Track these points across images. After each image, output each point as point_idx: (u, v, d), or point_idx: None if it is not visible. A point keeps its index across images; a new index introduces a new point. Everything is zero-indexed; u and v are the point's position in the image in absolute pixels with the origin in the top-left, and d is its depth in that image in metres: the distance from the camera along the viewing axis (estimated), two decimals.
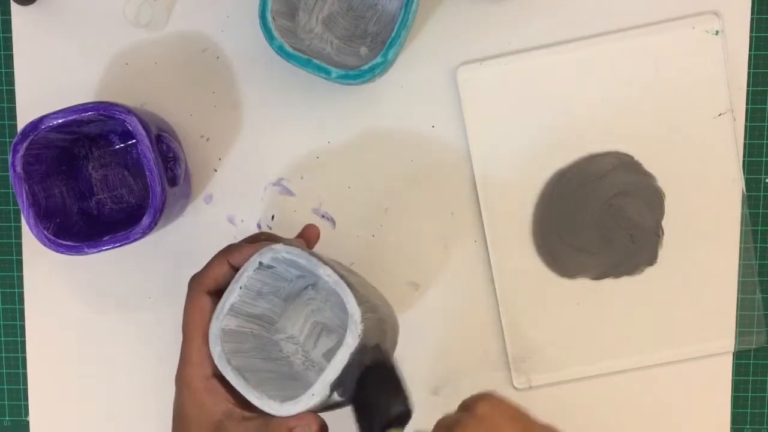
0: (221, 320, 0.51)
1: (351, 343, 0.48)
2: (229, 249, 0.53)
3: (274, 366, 0.54)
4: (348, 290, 0.49)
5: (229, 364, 0.50)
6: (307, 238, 0.57)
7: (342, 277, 0.49)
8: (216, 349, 0.51)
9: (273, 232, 0.65)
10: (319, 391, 0.48)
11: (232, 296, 0.51)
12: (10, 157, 0.57)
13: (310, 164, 0.65)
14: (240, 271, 0.52)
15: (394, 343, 0.54)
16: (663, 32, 0.64)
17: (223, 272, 0.52)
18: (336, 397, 0.48)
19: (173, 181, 0.60)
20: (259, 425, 0.49)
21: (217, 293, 0.52)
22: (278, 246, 0.51)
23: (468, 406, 0.49)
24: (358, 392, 0.48)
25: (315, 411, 0.49)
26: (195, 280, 0.53)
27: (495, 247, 0.65)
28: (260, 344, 0.54)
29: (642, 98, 0.64)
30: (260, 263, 0.51)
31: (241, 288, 0.51)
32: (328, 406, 0.49)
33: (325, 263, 0.50)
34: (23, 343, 0.67)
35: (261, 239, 0.55)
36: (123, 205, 0.64)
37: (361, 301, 0.49)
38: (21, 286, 0.67)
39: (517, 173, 0.64)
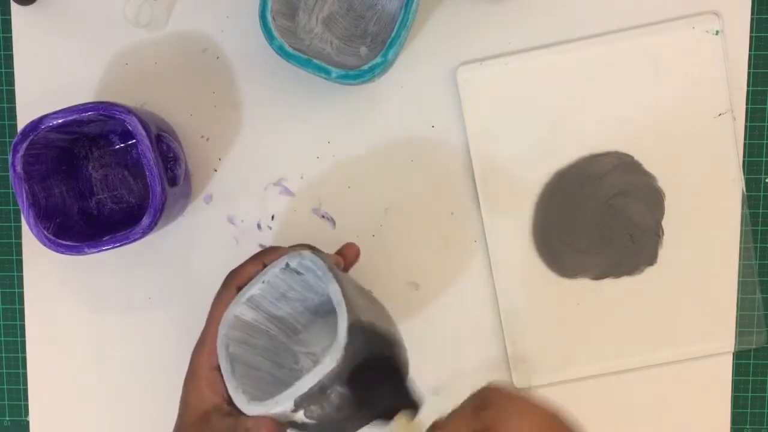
0: (237, 307, 0.52)
1: (327, 364, 0.47)
2: (267, 251, 0.55)
3: (281, 373, 0.54)
4: (345, 314, 0.48)
5: (227, 349, 0.51)
6: (345, 255, 0.58)
7: (346, 298, 0.48)
8: (221, 332, 0.52)
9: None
10: (282, 400, 0.47)
11: (253, 288, 0.53)
12: (10, 157, 0.57)
13: (310, 164, 0.65)
14: (267, 267, 0.53)
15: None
16: (663, 32, 0.64)
17: (257, 271, 0.54)
18: (302, 416, 0.48)
19: (173, 181, 0.60)
20: (233, 422, 0.49)
21: None
22: (306, 252, 0.52)
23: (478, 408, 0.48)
24: (357, 390, 0.48)
25: (279, 421, 0.48)
26: (230, 275, 0.55)
27: (495, 246, 0.65)
28: (274, 347, 0.55)
29: (642, 98, 0.64)
30: (287, 264, 0.52)
31: (263, 282, 0.53)
32: (293, 423, 0.49)
33: (339, 282, 0.49)
34: (23, 343, 0.67)
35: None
36: (123, 205, 0.64)
37: (354, 332, 0.48)
38: (21, 286, 0.67)
39: (517, 173, 0.64)
